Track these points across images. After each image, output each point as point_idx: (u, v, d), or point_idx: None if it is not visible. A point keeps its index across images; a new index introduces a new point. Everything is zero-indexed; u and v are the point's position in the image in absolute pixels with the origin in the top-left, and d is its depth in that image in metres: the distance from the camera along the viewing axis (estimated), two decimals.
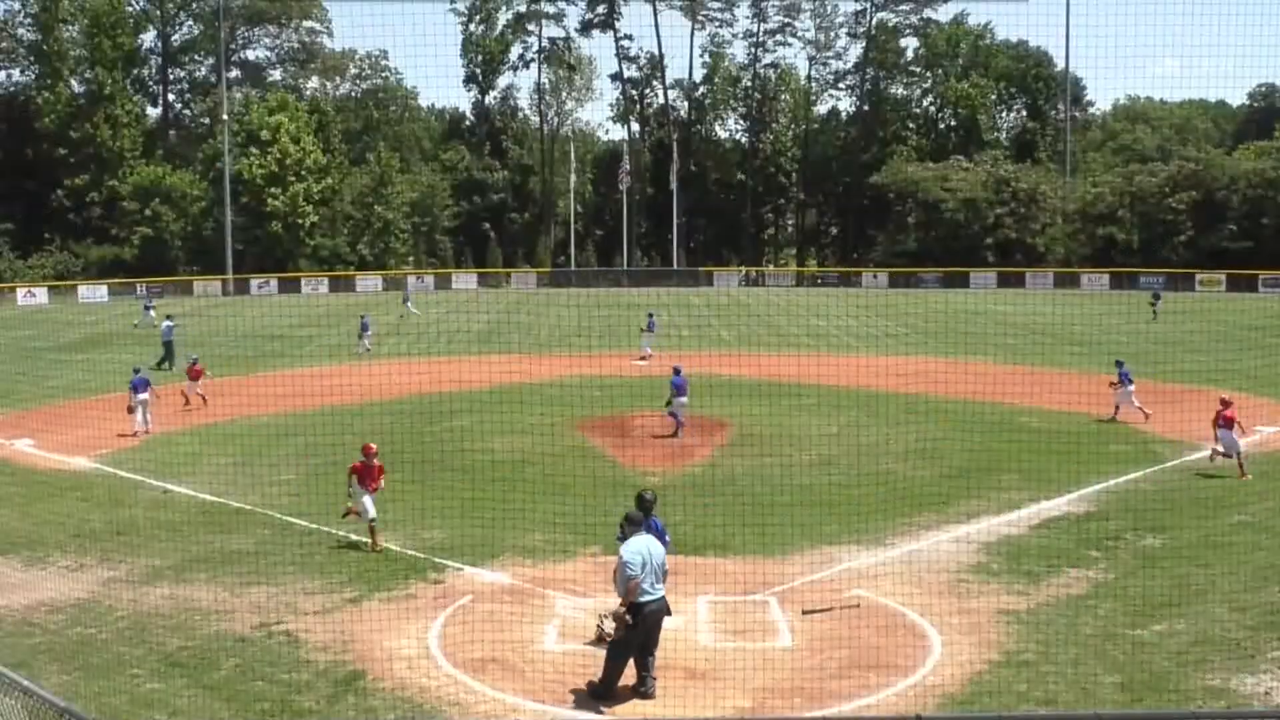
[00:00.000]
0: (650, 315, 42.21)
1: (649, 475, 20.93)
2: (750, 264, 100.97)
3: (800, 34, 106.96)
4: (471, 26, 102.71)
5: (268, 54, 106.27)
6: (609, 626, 11.39)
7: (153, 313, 54.42)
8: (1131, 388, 26.40)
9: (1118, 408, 26.59)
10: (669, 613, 11.56)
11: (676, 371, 25.97)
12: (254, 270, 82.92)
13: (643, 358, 37.78)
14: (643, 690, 11.28)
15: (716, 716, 10.95)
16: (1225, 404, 21.28)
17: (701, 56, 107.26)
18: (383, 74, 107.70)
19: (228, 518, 18.49)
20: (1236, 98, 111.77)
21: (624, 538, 12.82)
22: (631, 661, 11.37)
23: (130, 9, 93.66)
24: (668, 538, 12.98)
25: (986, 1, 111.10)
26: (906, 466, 21.37)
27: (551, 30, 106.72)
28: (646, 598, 11.20)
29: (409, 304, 60.35)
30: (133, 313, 57.05)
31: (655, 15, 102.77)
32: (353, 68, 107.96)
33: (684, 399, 25.46)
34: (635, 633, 11.20)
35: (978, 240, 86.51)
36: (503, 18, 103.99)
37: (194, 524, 17.78)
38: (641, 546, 11.38)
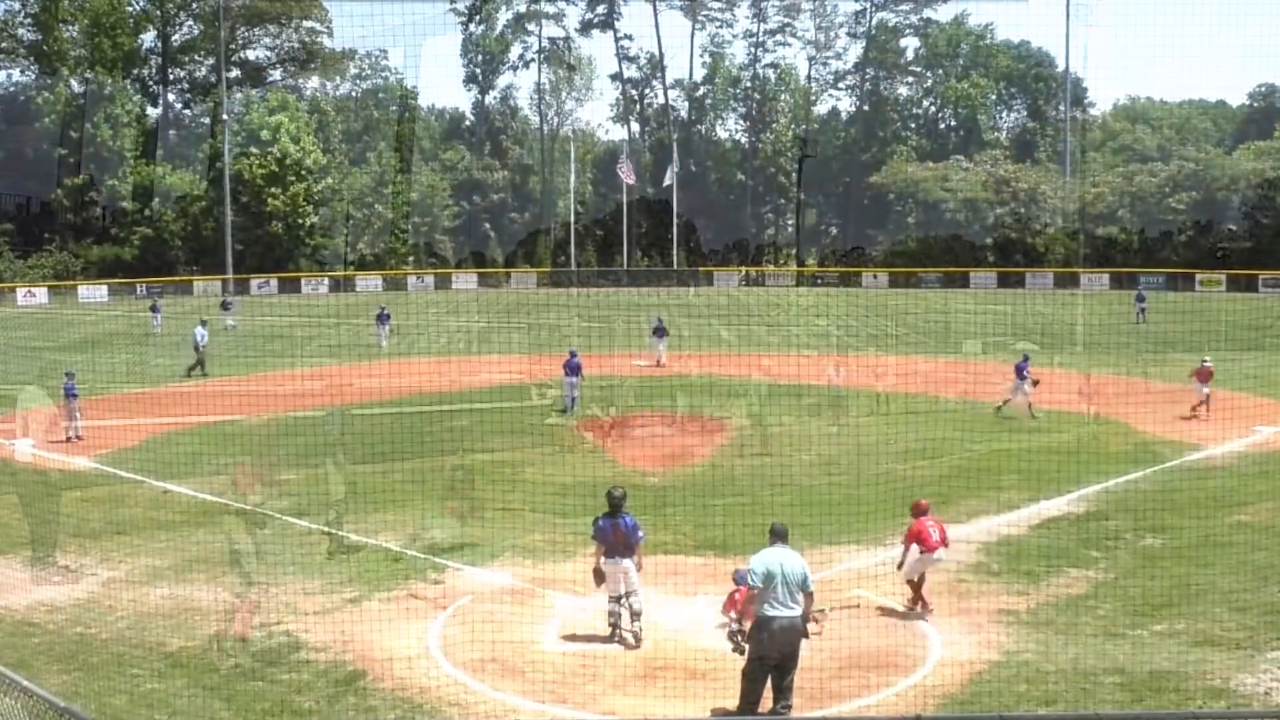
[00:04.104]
0: (659, 319, 38.62)
1: (649, 475, 20.93)
2: (750, 264, 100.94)
3: (800, 34, 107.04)
4: (471, 26, 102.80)
5: (268, 54, 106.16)
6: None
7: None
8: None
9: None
10: (805, 634, 10.77)
11: (572, 354, 27.83)
12: (254, 270, 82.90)
13: (658, 363, 36.85)
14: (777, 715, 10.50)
15: (716, 716, 10.94)
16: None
17: (701, 56, 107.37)
18: (383, 74, 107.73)
19: (228, 518, 18.48)
20: (1236, 98, 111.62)
21: (596, 535, 12.83)
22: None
23: (130, 9, 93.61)
24: (641, 533, 12.94)
25: (987, 1, 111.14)
26: (906, 466, 21.35)
27: (551, 30, 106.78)
28: (772, 612, 10.46)
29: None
30: (131, 313, 56.90)
31: (655, 15, 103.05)
32: (353, 68, 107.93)
33: (572, 379, 27.41)
34: (762, 649, 10.52)
35: (978, 240, 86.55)
36: (503, 18, 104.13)
37: (194, 524, 17.77)
38: (770, 558, 10.64)
